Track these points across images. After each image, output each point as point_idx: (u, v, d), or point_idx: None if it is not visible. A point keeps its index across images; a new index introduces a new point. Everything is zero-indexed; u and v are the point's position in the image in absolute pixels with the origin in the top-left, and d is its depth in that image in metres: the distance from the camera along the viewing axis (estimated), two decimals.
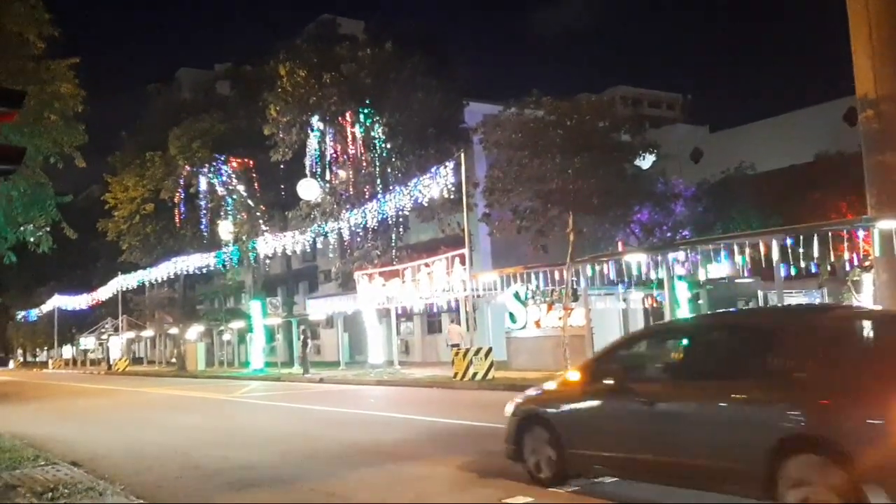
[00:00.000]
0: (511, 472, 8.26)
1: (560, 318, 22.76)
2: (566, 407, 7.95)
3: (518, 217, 22.63)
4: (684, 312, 34.96)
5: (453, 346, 27.66)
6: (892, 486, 5.37)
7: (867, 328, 7.08)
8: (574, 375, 8.08)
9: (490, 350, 22.56)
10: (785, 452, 5.86)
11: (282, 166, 33.35)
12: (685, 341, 7.46)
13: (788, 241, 18.29)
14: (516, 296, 25.79)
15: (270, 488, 8.60)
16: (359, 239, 31.55)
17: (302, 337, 32.73)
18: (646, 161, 25.26)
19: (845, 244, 19.01)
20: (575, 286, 23.11)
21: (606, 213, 23.69)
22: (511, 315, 26.20)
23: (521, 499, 7.44)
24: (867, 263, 26.03)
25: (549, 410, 8.05)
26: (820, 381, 6.04)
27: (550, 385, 8.50)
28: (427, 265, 25.90)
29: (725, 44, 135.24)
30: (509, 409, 8.48)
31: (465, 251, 23.73)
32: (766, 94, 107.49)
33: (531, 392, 8.67)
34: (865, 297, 35.66)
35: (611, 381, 7.41)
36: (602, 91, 54.79)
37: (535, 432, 8.03)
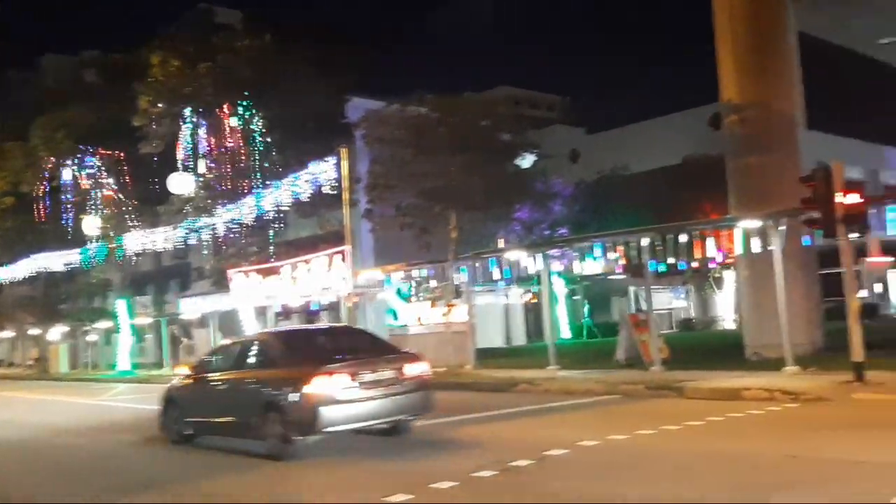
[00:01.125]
0: None
1: (443, 315, 22.83)
2: (183, 391, 12.44)
3: (401, 214, 22.57)
4: (562, 307, 36.11)
5: None
6: (305, 432, 9.80)
7: (311, 338, 12.15)
8: (186, 370, 12.86)
9: None
10: (266, 411, 10.09)
11: (155, 159, 31.91)
12: (236, 348, 11.95)
13: (661, 239, 19.00)
14: (399, 293, 25.69)
15: None
16: (234, 235, 30.56)
17: (174, 336, 31.47)
18: (526, 161, 25.73)
19: (710, 242, 19.89)
20: (457, 283, 23.25)
21: (489, 210, 23.96)
22: (393, 312, 26.07)
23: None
24: (729, 261, 27.48)
25: (176, 393, 12.55)
26: (280, 371, 10.35)
27: (178, 377, 12.99)
28: (307, 262, 25.38)
29: (602, 49, 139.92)
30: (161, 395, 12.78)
31: (347, 248, 23.43)
32: (640, 99, 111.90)
33: (173, 382, 13.05)
34: (726, 291, 37.80)
35: (200, 373, 12.14)
36: (485, 91, 55.44)
37: (171, 409, 12.40)
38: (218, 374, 11.66)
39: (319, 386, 9.65)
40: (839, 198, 13.85)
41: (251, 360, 11.18)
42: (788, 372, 15.84)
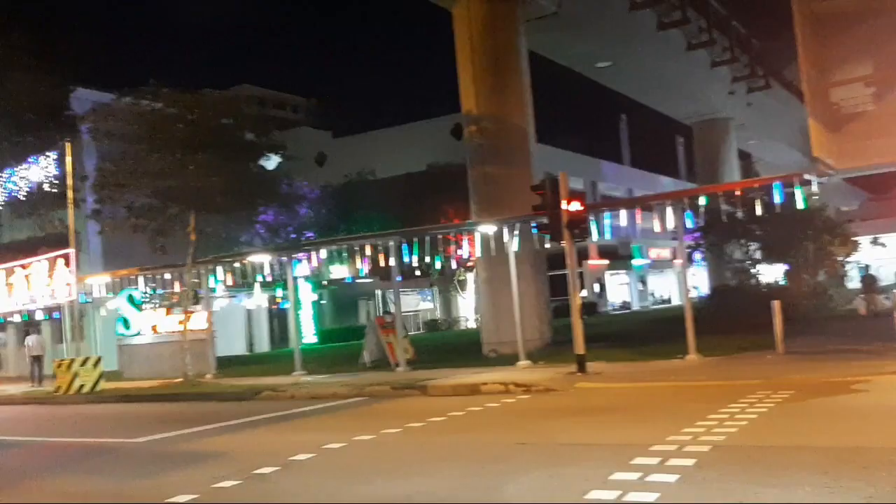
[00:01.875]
0: None
1: (180, 323, 21.60)
2: None
3: (134, 215, 20.95)
4: (307, 312, 35.81)
5: (34, 357, 24.66)
6: None
7: None
8: None
9: (99, 359, 20.67)
10: None
11: None
12: None
13: (404, 244, 19.43)
14: (130, 300, 23.94)
15: None
16: None
17: None
18: (271, 162, 25.13)
19: (453, 246, 20.73)
20: (196, 288, 22.16)
21: (231, 212, 23.01)
22: (125, 321, 24.24)
23: None
24: (470, 264, 28.83)
25: None
26: None
27: None
28: (24, 266, 22.84)
29: (350, 53, 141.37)
30: None
31: (71, 251, 21.39)
32: (386, 105, 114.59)
33: None
34: (469, 293, 39.68)
35: None
36: (228, 88, 53.55)
37: None
38: None
39: None
40: (565, 205, 15.02)
41: None
42: (522, 366, 16.90)
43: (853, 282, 34.10)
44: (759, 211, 17.04)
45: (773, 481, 6.18)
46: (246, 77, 78.47)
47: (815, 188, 16.75)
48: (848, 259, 30.81)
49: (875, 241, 34.04)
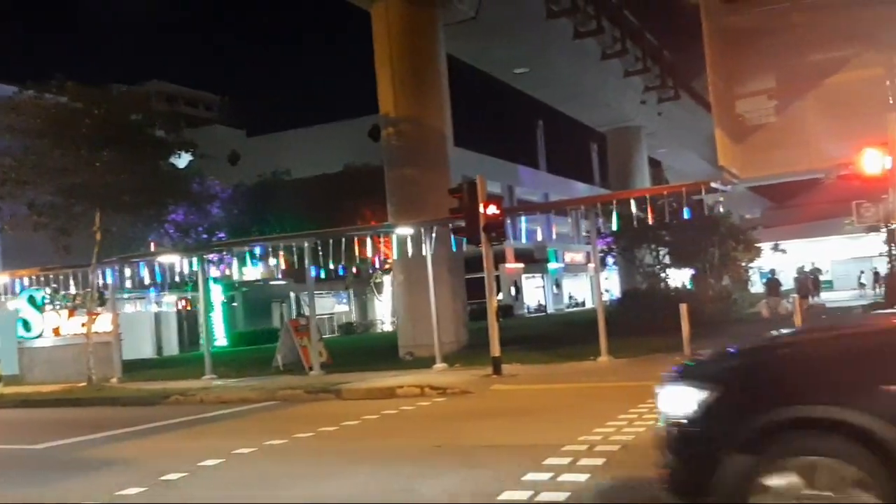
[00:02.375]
0: None
1: (84, 325, 20.78)
2: None
3: (36, 213, 20.02)
4: (218, 315, 35.00)
5: None
6: None
7: None
8: None
9: None
10: None
11: None
12: None
13: (319, 245, 19.21)
14: (31, 301, 22.89)
15: None
16: None
17: None
18: (182, 160, 24.47)
19: (369, 248, 20.61)
20: (101, 289, 21.36)
21: (139, 211, 22.26)
22: (25, 322, 23.14)
23: None
24: (387, 266, 28.74)
25: None
26: None
27: None
28: None
29: (266, 51, 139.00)
30: None
31: None
32: (302, 105, 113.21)
33: None
34: (386, 295, 39.56)
35: None
36: (138, 83, 51.95)
37: None
38: None
39: None
40: (482, 209, 15.13)
41: None
42: (438, 369, 16.93)
43: (756, 286, 35.56)
44: (667, 217, 17.57)
45: (609, 476, 6.50)
46: (157, 73, 76.26)
47: (720, 196, 17.38)
48: (751, 265, 32.08)
49: (776, 248, 35.65)
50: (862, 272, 43.94)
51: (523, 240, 48.28)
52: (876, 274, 43.29)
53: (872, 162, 12.38)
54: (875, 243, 32.38)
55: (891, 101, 16.78)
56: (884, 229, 22.16)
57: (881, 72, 17.43)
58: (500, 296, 44.66)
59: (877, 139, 12.30)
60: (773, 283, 25.08)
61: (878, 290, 37.90)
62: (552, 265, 52.26)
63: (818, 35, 17.16)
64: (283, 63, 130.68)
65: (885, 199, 12.71)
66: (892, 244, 22.60)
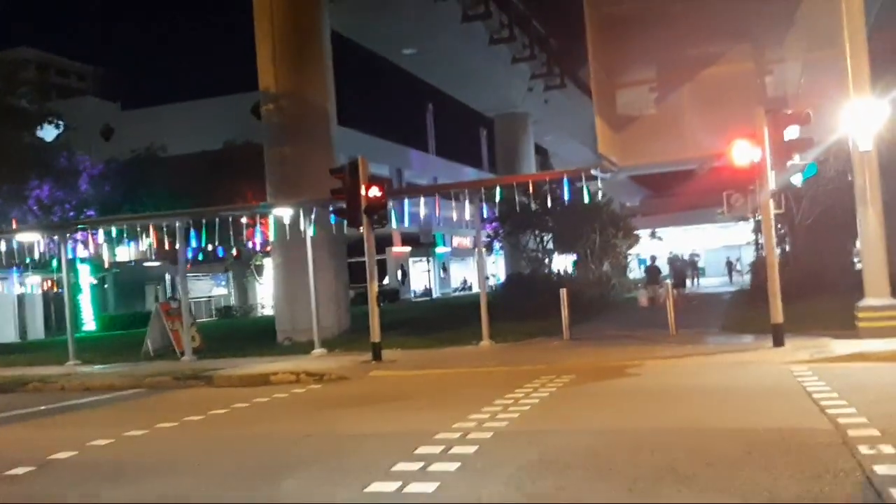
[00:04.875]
0: None
1: None
2: None
3: None
4: (87, 297, 33.21)
5: None
6: None
7: None
8: None
9: None
10: None
11: None
12: None
13: (196, 224, 18.38)
14: None
15: None
16: None
17: None
18: (48, 132, 23.00)
19: (250, 229, 19.93)
20: None
21: None
22: None
23: None
24: (269, 248, 27.93)
25: None
26: None
27: None
28: None
29: (144, 22, 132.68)
30: None
31: None
32: (181, 78, 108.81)
33: None
34: (267, 278, 38.62)
35: None
36: (3, 50, 48.55)
37: None
38: None
39: None
40: (364, 191, 14.79)
41: None
42: (316, 354, 16.54)
43: (634, 272, 36.72)
44: (549, 203, 17.76)
45: (480, 464, 6.42)
46: (27, 39, 71.54)
47: (599, 183, 17.69)
48: (629, 251, 33.04)
49: (653, 235, 36.92)
50: (729, 260, 46.24)
51: (408, 223, 48.11)
52: (729, 263, 45.88)
53: (742, 154, 12.79)
54: (744, 232, 34.02)
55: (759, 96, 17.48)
56: (752, 219, 23.18)
57: (752, 66, 18.13)
58: (387, 280, 44.46)
59: (747, 132, 12.71)
60: (653, 271, 25.45)
61: (740, 277, 40.03)
62: (440, 249, 52.40)
63: (694, 28, 17.66)
64: (162, 35, 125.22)
65: (753, 190, 13.15)
66: (759, 233, 23.68)
